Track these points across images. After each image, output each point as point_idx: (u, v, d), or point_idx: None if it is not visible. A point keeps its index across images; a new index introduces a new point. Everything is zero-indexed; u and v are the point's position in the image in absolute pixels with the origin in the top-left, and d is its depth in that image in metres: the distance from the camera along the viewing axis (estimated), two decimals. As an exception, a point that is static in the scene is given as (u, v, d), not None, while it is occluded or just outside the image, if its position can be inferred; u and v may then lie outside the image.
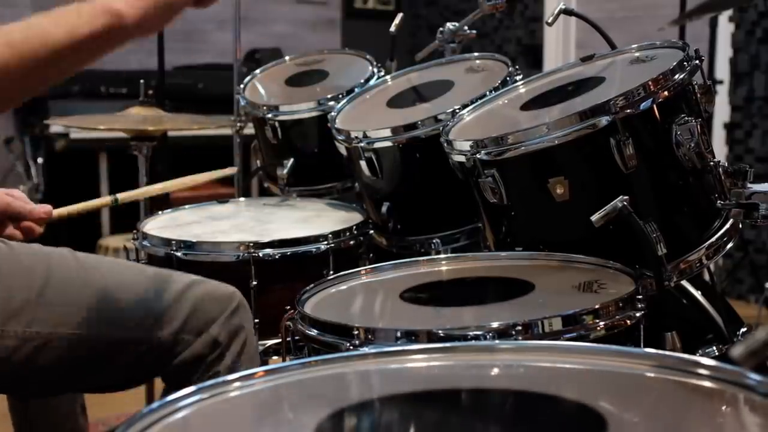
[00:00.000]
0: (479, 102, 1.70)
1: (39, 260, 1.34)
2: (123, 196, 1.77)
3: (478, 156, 1.46)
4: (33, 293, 1.29)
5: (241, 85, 2.37)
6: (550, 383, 0.87)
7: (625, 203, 1.34)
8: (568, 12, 1.88)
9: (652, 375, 0.85)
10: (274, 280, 1.75)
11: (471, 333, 1.14)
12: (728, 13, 3.97)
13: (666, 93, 1.39)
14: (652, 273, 1.36)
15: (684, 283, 1.65)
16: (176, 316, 1.35)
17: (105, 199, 1.75)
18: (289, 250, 1.76)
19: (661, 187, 1.44)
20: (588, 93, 1.56)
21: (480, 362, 0.93)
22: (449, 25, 2.19)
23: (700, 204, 1.46)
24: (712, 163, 1.44)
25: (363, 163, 1.76)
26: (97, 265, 1.38)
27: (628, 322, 1.20)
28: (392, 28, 2.29)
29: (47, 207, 1.52)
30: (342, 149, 1.84)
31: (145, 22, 1.04)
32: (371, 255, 1.88)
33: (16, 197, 1.49)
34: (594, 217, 1.35)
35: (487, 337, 1.13)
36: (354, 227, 1.85)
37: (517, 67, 1.85)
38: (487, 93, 1.74)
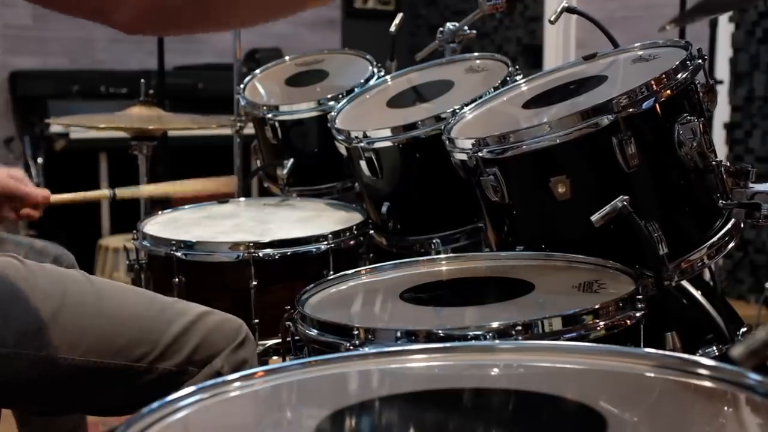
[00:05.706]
0: (481, 100, 1.70)
1: (54, 283, 1.32)
2: (121, 191, 1.76)
3: (479, 154, 1.46)
4: (47, 317, 1.28)
5: (241, 85, 2.37)
6: (550, 383, 0.87)
7: (625, 203, 1.33)
8: (571, 10, 1.87)
9: (652, 375, 0.85)
10: (274, 280, 1.75)
11: (471, 333, 1.14)
12: (728, 13, 3.96)
13: (668, 92, 1.39)
14: (652, 273, 1.35)
15: (684, 283, 1.65)
16: (183, 348, 1.34)
17: (103, 192, 1.75)
18: (289, 250, 1.75)
19: (663, 187, 1.44)
20: (590, 92, 1.55)
21: (480, 362, 0.92)
22: (449, 25, 2.19)
23: (701, 203, 1.46)
24: (714, 163, 1.43)
25: (363, 163, 1.76)
26: (110, 293, 1.36)
27: (628, 322, 1.20)
28: (392, 28, 2.29)
29: (45, 191, 1.51)
30: (342, 149, 1.84)
31: None
32: (371, 255, 1.88)
33: (16, 178, 1.48)
34: (594, 217, 1.35)
35: (487, 337, 1.13)
36: (354, 227, 1.85)
37: (517, 66, 1.85)
38: (487, 93, 1.74)
